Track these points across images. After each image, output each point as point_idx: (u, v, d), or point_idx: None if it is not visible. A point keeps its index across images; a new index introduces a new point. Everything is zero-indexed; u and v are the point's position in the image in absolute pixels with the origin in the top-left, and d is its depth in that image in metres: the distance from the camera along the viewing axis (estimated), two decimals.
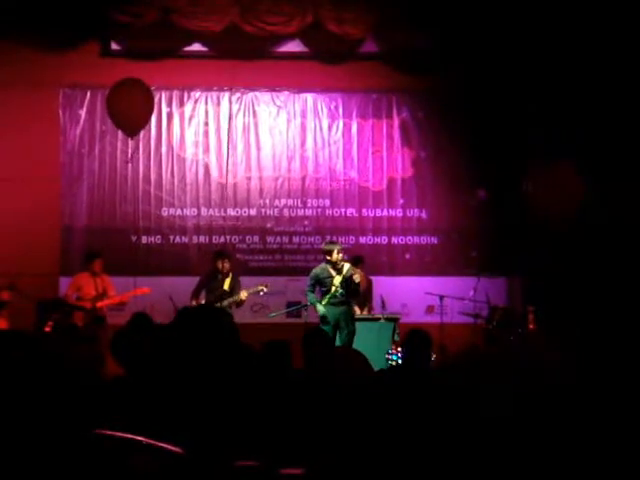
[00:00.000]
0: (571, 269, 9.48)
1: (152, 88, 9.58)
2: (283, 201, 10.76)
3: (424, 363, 5.17)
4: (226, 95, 10.79)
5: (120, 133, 9.89)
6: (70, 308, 8.87)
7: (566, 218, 9.37)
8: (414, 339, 5.30)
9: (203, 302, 9.15)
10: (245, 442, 2.60)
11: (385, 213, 10.85)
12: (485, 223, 10.76)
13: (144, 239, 10.56)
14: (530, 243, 10.16)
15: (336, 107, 10.89)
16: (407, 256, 10.84)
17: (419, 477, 2.28)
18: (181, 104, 10.74)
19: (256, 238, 10.72)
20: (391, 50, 10.59)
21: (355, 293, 8.97)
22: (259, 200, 10.75)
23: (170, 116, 10.71)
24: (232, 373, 2.78)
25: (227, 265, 9.23)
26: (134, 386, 3.13)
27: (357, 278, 8.70)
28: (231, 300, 9.07)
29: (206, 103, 10.77)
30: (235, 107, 10.77)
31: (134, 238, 10.54)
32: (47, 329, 8.09)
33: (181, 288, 9.50)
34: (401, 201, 10.87)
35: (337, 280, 8.75)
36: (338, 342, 8.59)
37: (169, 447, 2.41)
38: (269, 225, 10.74)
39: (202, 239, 10.65)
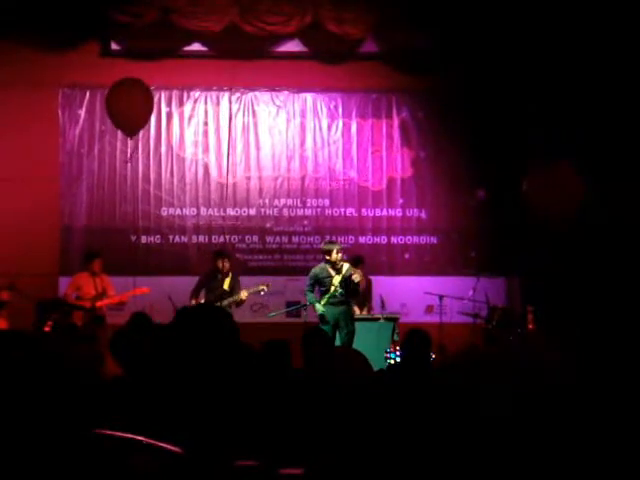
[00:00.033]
0: (570, 269, 9.48)
1: (152, 88, 9.58)
2: (282, 201, 10.76)
3: (423, 363, 5.17)
4: (226, 95, 10.79)
5: (119, 133, 9.88)
6: (69, 308, 8.86)
7: (565, 218, 9.36)
8: (413, 339, 5.30)
9: (202, 302, 9.16)
10: (244, 442, 2.60)
11: (384, 213, 10.85)
12: (484, 223, 10.76)
13: (143, 239, 10.56)
14: (529, 243, 10.15)
15: (336, 107, 10.89)
16: (406, 256, 10.84)
17: (419, 477, 2.28)
18: (181, 104, 10.74)
19: (255, 238, 10.72)
20: (391, 50, 10.59)
21: (354, 293, 8.97)
22: (258, 200, 10.75)
23: (170, 116, 10.70)
24: (231, 373, 2.78)
25: (227, 265, 9.24)
26: (133, 386, 3.13)
27: (356, 278, 8.70)
28: (231, 300, 9.07)
29: (206, 103, 10.77)
30: (235, 107, 10.76)
31: (133, 238, 10.54)
32: (46, 329, 8.08)
33: (180, 288, 9.50)
34: (400, 201, 10.87)
35: (336, 280, 8.75)
36: (338, 342, 8.60)
37: (169, 447, 2.40)
38: (268, 225, 10.74)
39: (201, 239, 10.65)
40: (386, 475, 2.36)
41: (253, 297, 9.52)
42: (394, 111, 10.90)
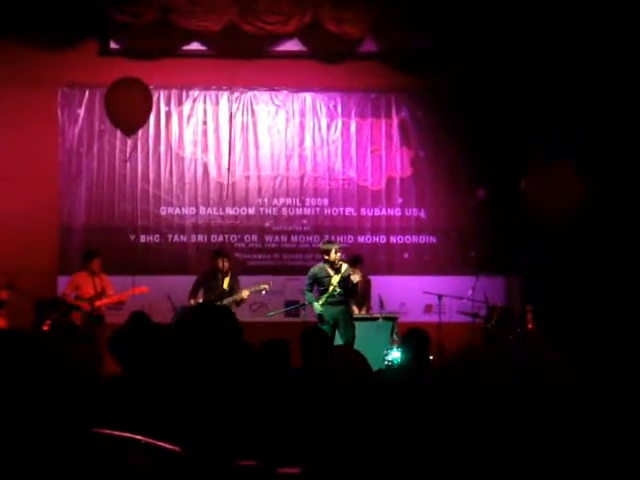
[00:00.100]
0: (570, 268, 9.48)
1: (151, 87, 9.57)
2: (282, 200, 10.76)
3: (422, 362, 5.17)
4: (225, 94, 10.78)
5: (119, 132, 9.88)
6: (68, 307, 8.86)
7: (565, 217, 9.36)
8: (413, 338, 5.30)
9: (201, 301, 9.15)
10: (243, 441, 2.60)
11: (384, 212, 10.84)
12: (484, 222, 10.76)
13: (142, 238, 10.56)
14: (529, 243, 10.15)
15: (335, 106, 10.88)
16: (406, 255, 10.84)
17: (417, 477, 2.28)
18: (180, 103, 10.73)
19: (254, 237, 10.71)
20: (390, 49, 10.58)
21: (353, 293, 8.98)
22: (257, 199, 10.75)
23: (169, 115, 10.70)
24: (232, 372, 2.78)
25: (227, 264, 9.24)
26: (132, 385, 3.13)
27: (355, 278, 8.71)
28: (231, 299, 9.07)
29: (205, 102, 10.76)
30: (234, 106, 10.76)
31: (132, 237, 10.54)
32: (45, 328, 8.07)
33: (179, 287, 9.50)
34: (400, 200, 10.86)
35: (335, 280, 8.76)
36: (339, 341, 8.60)
37: (167, 446, 2.40)
38: (267, 224, 10.74)
39: (200, 238, 10.65)
40: (385, 475, 2.35)
41: (252, 296, 9.51)
42: (393, 111, 10.90)
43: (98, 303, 9.05)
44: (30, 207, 10.14)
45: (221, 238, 10.63)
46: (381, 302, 9.37)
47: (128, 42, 10.52)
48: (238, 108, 10.77)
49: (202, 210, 10.67)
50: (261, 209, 10.74)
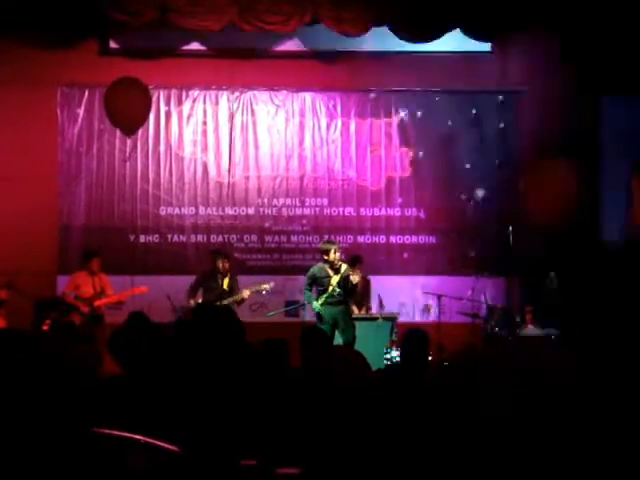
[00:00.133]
0: (569, 268, 9.47)
1: (150, 87, 9.57)
2: (281, 200, 10.75)
3: (422, 363, 5.16)
4: (224, 94, 10.78)
5: (118, 132, 9.88)
6: (68, 307, 8.85)
7: (563, 216, 9.37)
8: (412, 339, 5.29)
9: (200, 301, 9.15)
10: (242, 441, 2.60)
11: (383, 212, 10.84)
12: (483, 222, 10.75)
13: (142, 238, 10.55)
14: (528, 242, 10.13)
15: (334, 106, 10.87)
16: (405, 255, 10.83)
17: (417, 477, 2.28)
18: (179, 103, 10.73)
19: (254, 237, 10.71)
20: (389, 49, 10.57)
21: (352, 293, 8.97)
22: (257, 199, 10.74)
23: (168, 115, 10.69)
24: (231, 372, 2.78)
25: (226, 264, 9.25)
26: (131, 385, 3.13)
27: (355, 279, 8.70)
28: (232, 299, 9.07)
29: (204, 102, 10.75)
30: (233, 106, 10.75)
31: (132, 237, 10.53)
32: (45, 328, 8.07)
33: (179, 287, 9.51)
34: (399, 200, 10.85)
35: (334, 280, 8.75)
36: (339, 341, 8.60)
37: (166, 446, 2.40)
38: (267, 224, 10.73)
39: (200, 238, 10.64)
40: (384, 474, 2.35)
41: (252, 296, 9.51)
42: (393, 110, 10.89)
43: (97, 303, 9.05)
44: (29, 207, 10.14)
45: (221, 238, 10.63)
46: (380, 302, 9.37)
47: (128, 42, 10.52)
48: (238, 108, 10.77)
49: (202, 210, 10.66)
50: (261, 209, 10.74)
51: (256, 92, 10.80)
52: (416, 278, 10.62)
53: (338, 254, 8.83)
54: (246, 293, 9.13)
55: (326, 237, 10.24)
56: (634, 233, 9.32)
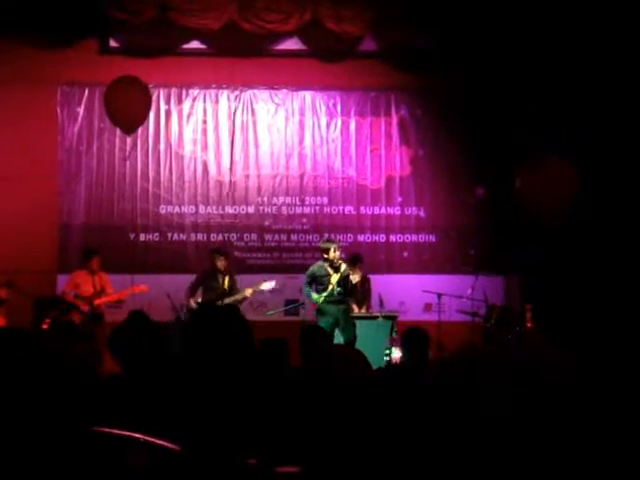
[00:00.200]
0: (569, 267, 9.48)
1: (150, 85, 9.57)
2: (281, 199, 10.76)
3: (422, 361, 5.17)
4: (224, 93, 10.78)
5: (118, 131, 9.88)
6: (68, 306, 8.86)
7: (560, 215, 9.36)
8: (412, 337, 5.31)
9: (200, 300, 9.15)
10: (242, 440, 2.60)
11: (383, 211, 10.84)
12: (483, 221, 10.76)
13: (142, 237, 10.56)
14: (528, 241, 10.14)
15: (334, 105, 10.88)
16: (405, 254, 10.84)
17: (417, 477, 2.28)
18: (179, 102, 10.73)
19: (254, 236, 10.71)
20: (390, 48, 10.58)
21: (352, 292, 8.98)
22: (257, 198, 10.74)
23: (168, 114, 10.70)
24: (232, 371, 2.78)
25: (226, 263, 9.25)
26: (131, 384, 3.13)
27: (354, 279, 8.71)
28: (233, 298, 9.08)
29: (204, 101, 10.76)
30: (233, 105, 10.76)
31: (132, 236, 10.54)
32: (45, 327, 8.08)
33: (179, 286, 9.51)
34: (399, 199, 10.86)
35: (334, 279, 8.76)
36: (340, 340, 8.60)
37: (167, 445, 2.40)
38: (267, 223, 10.74)
39: (200, 237, 10.64)
40: (384, 474, 2.35)
41: (252, 295, 9.52)
42: (393, 109, 10.90)
43: (97, 302, 9.05)
44: (30, 206, 10.14)
45: (221, 237, 10.63)
46: (381, 301, 9.37)
47: (128, 40, 10.52)
48: (238, 107, 10.77)
49: (202, 209, 10.66)
50: (261, 208, 10.74)
51: (256, 91, 10.80)
52: (416, 277, 10.63)
53: (338, 252, 8.83)
54: (248, 292, 9.13)
55: (326, 236, 10.24)
56: None
